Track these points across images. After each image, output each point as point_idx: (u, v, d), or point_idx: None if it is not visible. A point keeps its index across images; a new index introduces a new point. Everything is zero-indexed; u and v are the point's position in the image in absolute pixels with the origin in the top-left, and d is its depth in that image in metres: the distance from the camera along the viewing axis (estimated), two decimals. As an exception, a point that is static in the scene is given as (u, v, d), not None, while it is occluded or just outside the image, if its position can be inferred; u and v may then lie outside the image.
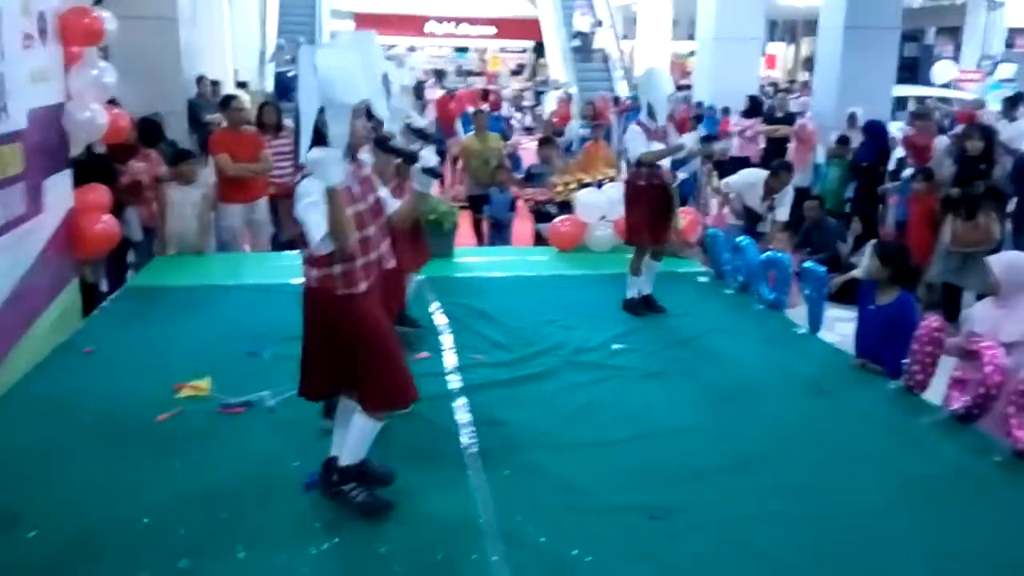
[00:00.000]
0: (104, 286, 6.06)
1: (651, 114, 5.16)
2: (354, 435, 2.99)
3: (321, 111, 2.75)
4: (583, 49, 20.56)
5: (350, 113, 2.78)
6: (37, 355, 4.43)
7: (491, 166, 8.34)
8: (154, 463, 3.40)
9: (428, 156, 3.09)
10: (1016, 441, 3.44)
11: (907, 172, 7.76)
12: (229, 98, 8.13)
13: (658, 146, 5.08)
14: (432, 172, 3.12)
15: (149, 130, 6.97)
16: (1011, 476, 3.36)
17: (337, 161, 2.74)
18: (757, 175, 7.21)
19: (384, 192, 3.08)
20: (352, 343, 2.89)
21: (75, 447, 3.52)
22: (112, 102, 5.77)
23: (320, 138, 2.77)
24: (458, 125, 13.62)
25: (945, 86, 15.53)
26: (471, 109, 14.73)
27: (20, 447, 3.52)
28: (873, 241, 7.37)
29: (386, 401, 3.00)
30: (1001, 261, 4.00)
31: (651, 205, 5.16)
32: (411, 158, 3.08)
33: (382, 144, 3.31)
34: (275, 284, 5.83)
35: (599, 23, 20.52)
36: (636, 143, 5.11)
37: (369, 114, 2.94)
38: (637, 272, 5.32)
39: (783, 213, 6.84)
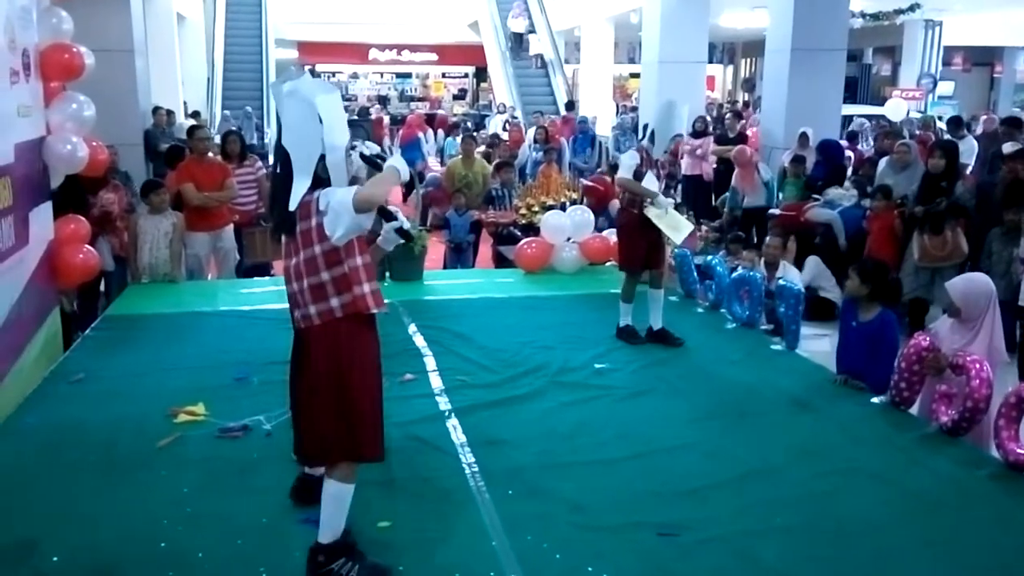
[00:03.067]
0: (77, 315, 6.04)
1: (652, 141, 5.22)
2: (328, 506, 2.83)
3: (321, 158, 2.74)
4: (518, 51, 21.00)
5: (344, 153, 2.80)
6: (27, 385, 4.43)
7: (475, 191, 8.49)
8: (162, 489, 3.44)
9: (403, 219, 3.06)
10: (1007, 453, 3.55)
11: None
12: (195, 127, 8.19)
13: (651, 180, 5.15)
14: (405, 235, 3.09)
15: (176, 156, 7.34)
16: (1005, 487, 3.48)
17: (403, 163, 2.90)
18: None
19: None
20: (353, 379, 2.79)
21: (82, 475, 3.54)
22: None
23: (319, 181, 2.76)
24: (387, 143, 13.90)
25: (880, 103, 16.14)
26: (430, 133, 15.05)
27: (26, 477, 3.53)
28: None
29: (364, 451, 2.85)
30: (957, 288, 4.08)
31: (643, 231, 5.17)
32: (389, 215, 3.03)
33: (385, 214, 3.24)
34: (251, 311, 5.91)
35: (533, 30, 20.98)
36: (627, 166, 5.13)
37: None
38: (629, 299, 5.34)
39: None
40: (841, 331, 4.67)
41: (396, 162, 2.88)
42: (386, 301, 2.92)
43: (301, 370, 2.90)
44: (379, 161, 2.99)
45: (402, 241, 3.15)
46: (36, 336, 4.76)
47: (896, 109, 14.19)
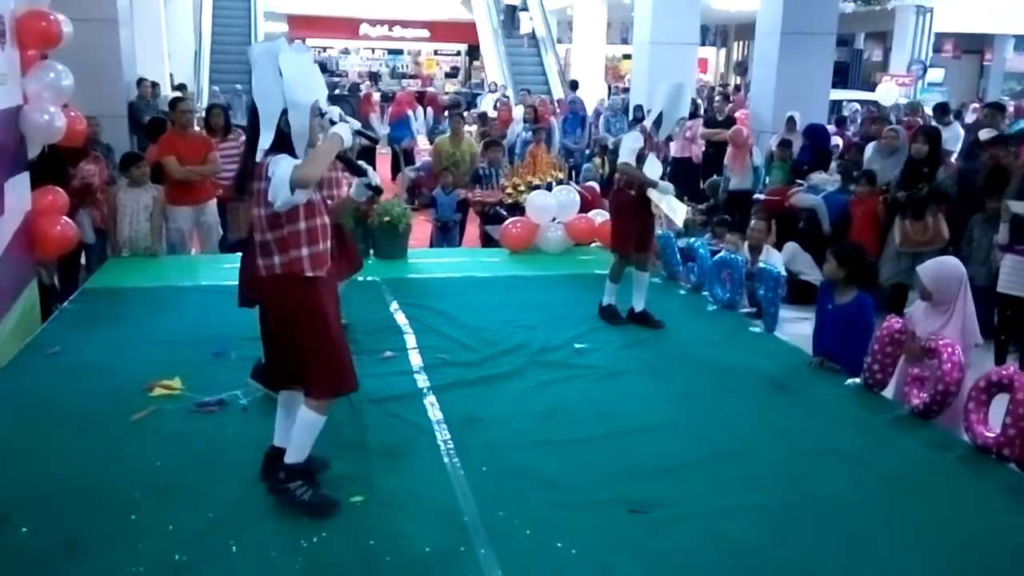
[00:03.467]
0: (58, 287, 6.00)
1: (656, 124, 5.09)
2: (300, 431, 3.07)
3: (283, 112, 2.89)
4: (510, 27, 21.02)
5: (309, 111, 2.93)
6: (2, 358, 4.40)
7: (462, 169, 8.45)
8: (135, 462, 3.43)
9: (373, 174, 3.23)
10: (976, 436, 3.59)
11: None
12: (177, 100, 8.08)
13: (653, 162, 5.09)
14: (374, 189, 3.27)
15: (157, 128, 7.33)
16: (973, 469, 3.52)
17: (347, 129, 3.02)
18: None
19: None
20: (304, 328, 2.99)
21: (54, 447, 3.53)
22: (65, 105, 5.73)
23: (282, 137, 2.91)
24: (373, 120, 13.92)
25: (870, 89, 16.13)
26: (420, 111, 14.97)
27: (-2, 448, 3.52)
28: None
29: (331, 387, 3.08)
30: (927, 271, 4.13)
31: (638, 213, 5.15)
32: (359, 171, 3.20)
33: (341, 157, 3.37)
34: (231, 286, 5.83)
35: (525, 7, 20.96)
36: (628, 148, 5.05)
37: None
38: (616, 279, 5.33)
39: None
40: (817, 314, 4.70)
41: (339, 128, 2.98)
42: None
43: (263, 313, 3.15)
44: (370, 136, 3.12)
45: (371, 194, 3.31)
46: (12, 308, 4.73)
47: (887, 94, 14.21)
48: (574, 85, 16.38)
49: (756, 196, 8.76)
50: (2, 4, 4.69)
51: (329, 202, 3.29)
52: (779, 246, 7.37)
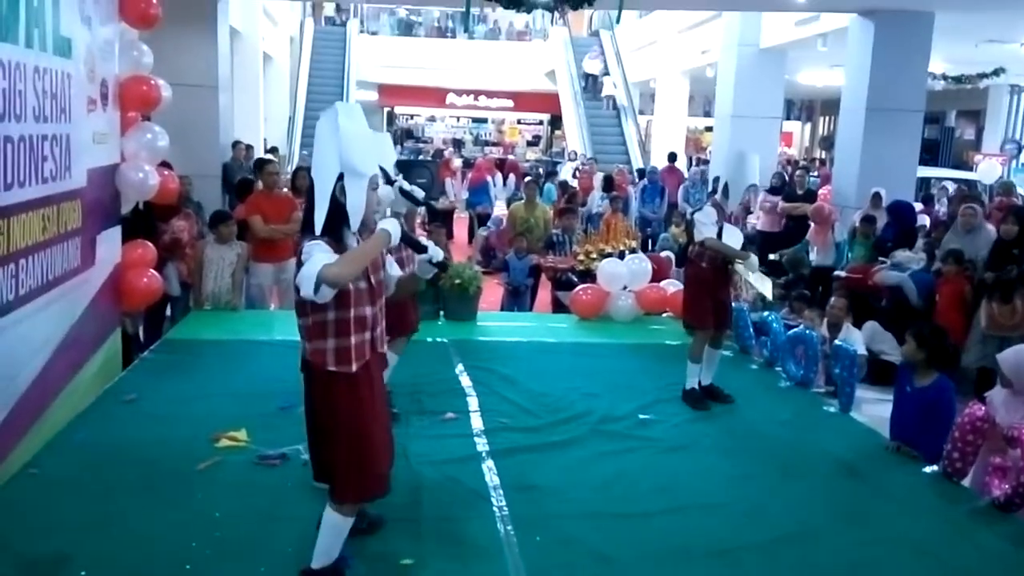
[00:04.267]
0: (142, 337, 6.24)
1: (726, 194, 5.04)
2: (325, 533, 2.90)
3: (339, 179, 2.73)
4: (591, 91, 21.46)
5: (367, 183, 2.78)
6: (81, 402, 4.58)
7: (536, 235, 8.53)
8: (196, 510, 3.51)
9: (435, 251, 3.08)
10: None
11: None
12: (264, 161, 8.45)
13: (732, 232, 5.06)
14: (440, 265, 3.09)
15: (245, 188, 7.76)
16: None
17: (396, 225, 2.84)
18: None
19: (390, 263, 3.08)
20: (330, 423, 2.82)
21: (121, 493, 3.63)
22: (165, 164, 6.05)
23: (337, 207, 2.73)
24: (449, 184, 14.22)
25: (968, 168, 15.66)
26: (499, 177, 15.26)
27: (68, 491, 3.64)
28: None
29: (353, 492, 2.87)
30: (1008, 359, 4.00)
31: (713, 287, 5.02)
32: (420, 248, 3.06)
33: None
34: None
35: (607, 72, 21.33)
36: (707, 224, 4.94)
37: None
38: (698, 358, 5.07)
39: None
40: (896, 396, 4.52)
41: (387, 224, 2.81)
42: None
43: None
44: (414, 196, 3.01)
45: (436, 271, 3.13)
46: (95, 355, 4.93)
47: (989, 172, 13.72)
48: (672, 157, 16.38)
49: (837, 272, 8.56)
50: (107, 69, 5.02)
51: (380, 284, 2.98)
52: (858, 325, 7.16)
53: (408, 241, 2.98)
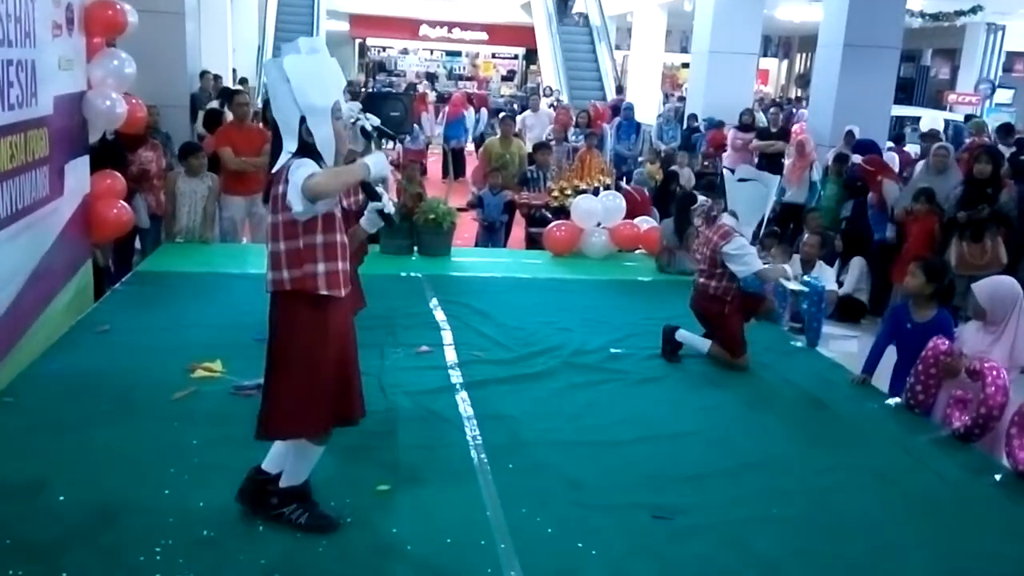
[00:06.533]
0: (112, 269, 6.19)
1: (734, 215, 4.74)
2: (292, 457, 2.93)
3: (302, 120, 2.71)
4: (563, 11, 21.34)
5: (329, 115, 2.76)
6: (54, 333, 4.57)
7: (511, 171, 8.49)
8: (173, 439, 3.54)
9: (387, 202, 3.03)
10: (1018, 462, 3.53)
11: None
12: (233, 92, 8.29)
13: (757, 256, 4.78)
14: (387, 219, 3.06)
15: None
16: (1011, 495, 3.45)
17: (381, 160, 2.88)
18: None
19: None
20: (296, 351, 2.79)
21: (96, 421, 3.66)
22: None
23: (306, 146, 2.72)
24: (425, 119, 14.04)
25: (941, 108, 15.69)
26: (468, 112, 15.08)
27: (42, 420, 3.65)
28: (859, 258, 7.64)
29: (281, 428, 2.88)
30: (983, 289, 4.05)
31: (744, 312, 4.87)
32: (374, 195, 2.98)
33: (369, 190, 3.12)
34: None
35: None
36: (750, 253, 4.63)
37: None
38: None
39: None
40: (890, 332, 4.51)
41: (371, 159, 2.81)
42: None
43: (269, 335, 2.91)
44: (377, 133, 2.96)
45: (383, 224, 3.11)
46: (67, 286, 4.89)
47: (932, 122, 13.73)
48: (620, 90, 16.33)
49: (855, 158, 8.53)
50: (72, -8, 4.87)
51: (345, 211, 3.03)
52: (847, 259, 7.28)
53: (364, 186, 2.95)
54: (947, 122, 13.43)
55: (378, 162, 2.84)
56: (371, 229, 3.19)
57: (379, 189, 3.03)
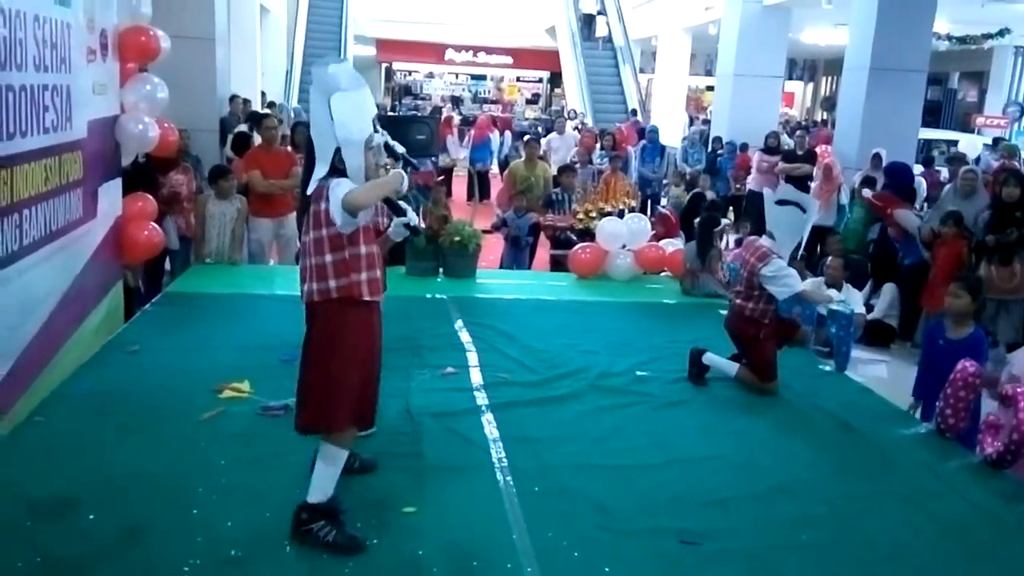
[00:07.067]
0: (142, 290, 6.28)
1: (772, 237, 4.72)
2: (319, 467, 3.02)
3: (337, 151, 2.93)
4: (587, 33, 21.63)
5: (363, 147, 2.98)
6: (84, 353, 4.63)
7: (536, 193, 8.52)
8: (201, 459, 3.56)
9: (412, 215, 3.19)
10: None
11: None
12: (261, 116, 8.40)
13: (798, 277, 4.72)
14: (412, 230, 3.21)
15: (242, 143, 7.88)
16: None
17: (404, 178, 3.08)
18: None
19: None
20: (340, 353, 2.98)
21: (124, 441, 3.69)
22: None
23: (337, 171, 2.95)
24: (450, 142, 14.18)
25: (969, 131, 15.56)
26: (494, 135, 15.19)
27: (74, 439, 3.69)
28: (882, 283, 7.57)
29: (332, 423, 3.01)
30: None
31: (778, 337, 4.80)
32: (399, 211, 3.15)
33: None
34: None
35: (603, 11, 21.47)
36: (789, 274, 4.56)
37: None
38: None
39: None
40: (926, 351, 4.48)
41: (399, 172, 3.04)
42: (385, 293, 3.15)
43: (306, 342, 3.09)
44: (398, 152, 3.13)
45: (409, 235, 3.27)
46: (98, 307, 4.97)
47: (970, 145, 13.63)
48: (633, 112, 16.39)
49: (866, 192, 8.49)
50: (106, 19, 4.98)
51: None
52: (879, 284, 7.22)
53: (388, 202, 3.11)
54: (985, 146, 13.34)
55: (404, 178, 3.05)
56: (398, 239, 3.36)
57: (402, 204, 3.19)
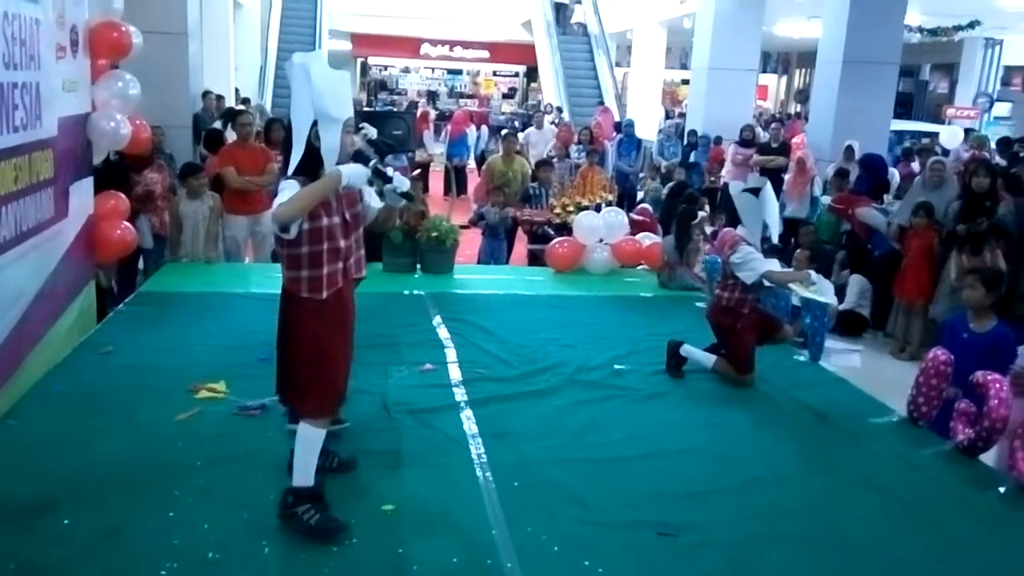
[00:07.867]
0: (115, 290, 6.21)
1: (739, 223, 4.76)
2: (298, 449, 3.05)
3: (314, 124, 2.92)
4: (562, 24, 21.68)
5: (341, 127, 2.97)
6: (57, 354, 4.57)
7: (513, 188, 8.51)
8: (177, 460, 3.53)
9: (400, 180, 3.18)
10: (1021, 475, 3.53)
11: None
12: (236, 112, 8.33)
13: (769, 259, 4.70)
14: (406, 195, 3.22)
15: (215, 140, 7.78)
16: (1014, 508, 3.47)
17: (364, 173, 3.05)
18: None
19: (370, 194, 3.25)
20: (296, 345, 3.05)
21: (102, 441, 3.65)
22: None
23: (312, 151, 2.94)
24: (427, 137, 14.18)
25: (940, 122, 15.76)
26: (470, 130, 15.18)
27: (48, 440, 3.64)
28: (849, 273, 7.64)
29: (311, 404, 3.08)
30: None
31: (758, 331, 4.76)
32: (385, 178, 3.16)
33: (361, 158, 3.32)
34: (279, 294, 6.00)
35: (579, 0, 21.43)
36: (757, 258, 4.56)
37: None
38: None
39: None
40: (948, 345, 4.37)
41: (347, 168, 2.97)
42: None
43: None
44: (389, 176, 3.13)
45: (404, 201, 3.26)
46: (70, 307, 4.91)
47: (951, 136, 13.76)
48: (600, 102, 16.45)
49: (824, 199, 8.59)
50: (77, 15, 4.91)
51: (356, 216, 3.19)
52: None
53: (373, 170, 3.13)
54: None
55: (356, 172, 3.00)
56: (397, 204, 3.32)
57: (384, 169, 3.19)
